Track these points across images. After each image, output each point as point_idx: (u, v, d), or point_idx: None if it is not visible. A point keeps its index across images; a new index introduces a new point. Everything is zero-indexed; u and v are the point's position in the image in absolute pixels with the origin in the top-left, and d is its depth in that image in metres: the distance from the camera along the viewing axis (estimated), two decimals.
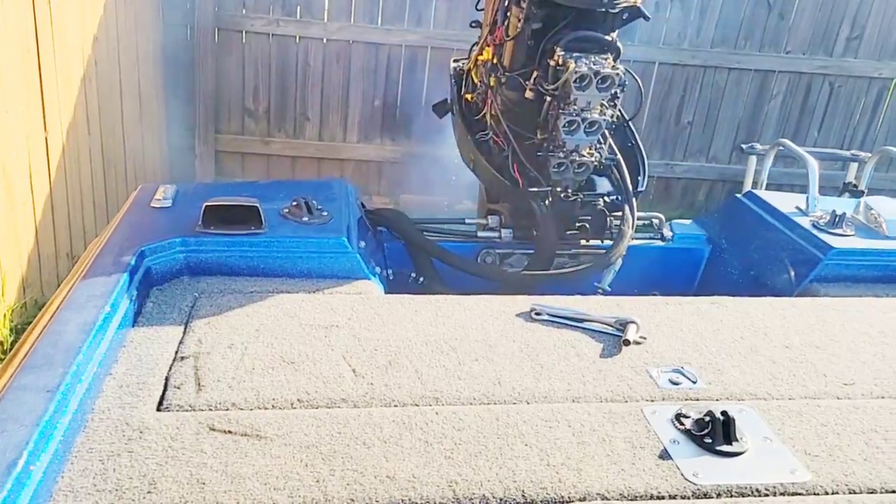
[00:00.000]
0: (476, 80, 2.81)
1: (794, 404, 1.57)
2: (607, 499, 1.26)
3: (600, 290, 2.57)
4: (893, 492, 1.32)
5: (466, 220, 2.86)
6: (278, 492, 1.22)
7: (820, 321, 1.96)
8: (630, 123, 2.75)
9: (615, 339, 1.79)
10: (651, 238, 2.87)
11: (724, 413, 1.40)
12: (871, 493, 1.32)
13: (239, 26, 6.02)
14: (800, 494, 1.30)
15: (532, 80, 2.43)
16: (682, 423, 1.44)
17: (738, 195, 2.92)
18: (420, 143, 6.21)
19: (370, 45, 6.15)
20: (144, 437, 1.34)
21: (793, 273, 2.44)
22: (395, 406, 1.49)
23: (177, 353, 1.64)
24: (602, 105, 2.40)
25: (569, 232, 2.69)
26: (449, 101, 3.06)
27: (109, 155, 4.88)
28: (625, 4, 2.31)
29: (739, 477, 1.32)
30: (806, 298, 2.20)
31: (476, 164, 2.77)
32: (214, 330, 1.74)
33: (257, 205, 2.12)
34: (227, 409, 1.44)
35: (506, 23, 2.48)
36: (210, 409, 1.44)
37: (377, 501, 1.22)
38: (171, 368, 1.58)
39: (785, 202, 2.70)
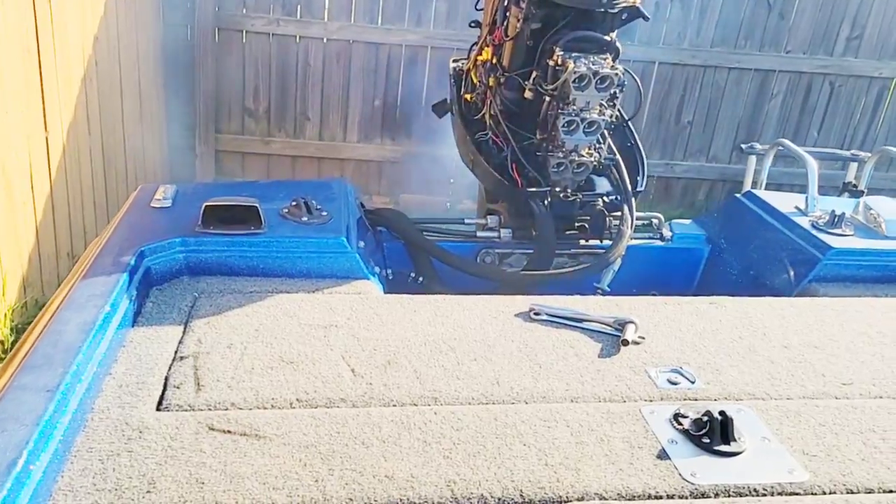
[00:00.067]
0: (475, 81, 2.82)
1: (793, 404, 1.57)
2: (605, 498, 1.27)
3: (599, 290, 2.57)
4: (891, 491, 1.33)
5: (466, 220, 2.87)
6: (277, 491, 1.23)
7: (819, 321, 1.96)
8: (629, 123, 2.76)
9: (614, 339, 1.79)
10: (650, 238, 2.87)
11: (722, 413, 1.40)
12: (869, 492, 1.32)
13: (239, 26, 6.02)
14: (797, 494, 1.30)
15: (531, 81, 2.44)
16: (680, 423, 1.44)
17: (738, 195, 2.92)
18: (420, 143, 6.22)
19: (370, 44, 6.16)
20: (144, 436, 1.34)
21: (792, 273, 2.44)
22: (394, 406, 1.49)
23: (176, 352, 1.64)
24: (601, 105, 2.40)
25: (568, 232, 2.70)
26: (448, 101, 3.06)
27: (110, 155, 4.88)
28: (624, 4, 2.31)
29: (737, 477, 1.32)
30: (805, 298, 2.21)
31: (475, 164, 2.78)
32: (214, 330, 1.74)
33: (257, 205, 2.12)
34: (227, 409, 1.45)
35: (505, 23, 2.49)
36: (209, 409, 1.44)
37: (376, 501, 1.22)
38: (170, 368, 1.58)
39: (784, 202, 2.70)
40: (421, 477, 1.28)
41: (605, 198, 2.67)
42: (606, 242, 2.65)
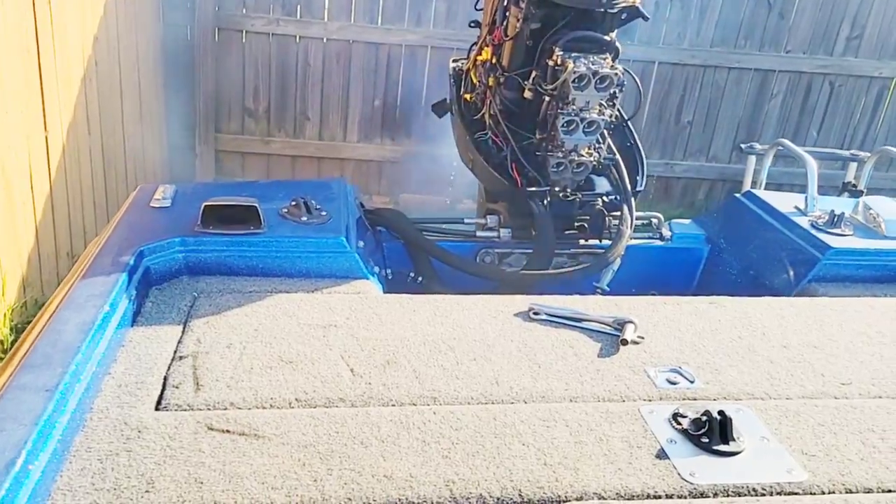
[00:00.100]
0: (475, 80, 2.82)
1: (792, 404, 1.57)
2: (604, 498, 1.27)
3: (599, 290, 2.57)
4: (890, 491, 1.33)
5: (465, 220, 2.87)
6: (276, 491, 1.23)
7: (818, 321, 1.96)
8: (629, 123, 2.76)
9: (613, 338, 1.79)
10: (650, 238, 2.87)
11: (721, 413, 1.40)
12: (868, 492, 1.32)
13: (239, 26, 6.02)
14: (796, 494, 1.30)
15: (531, 80, 2.44)
16: (679, 423, 1.44)
17: (737, 195, 2.92)
18: (420, 143, 6.22)
19: (370, 44, 6.16)
20: (143, 436, 1.34)
21: (791, 273, 2.44)
22: (393, 406, 1.49)
23: (175, 352, 1.64)
24: (600, 105, 2.40)
25: (567, 232, 2.69)
26: (448, 100, 3.06)
27: (109, 155, 4.88)
28: (623, 4, 2.31)
29: (736, 476, 1.32)
30: (804, 298, 2.21)
31: (475, 164, 2.78)
32: (213, 329, 1.74)
33: (256, 205, 2.12)
34: (226, 409, 1.45)
35: (504, 23, 2.49)
36: (208, 409, 1.44)
37: (374, 501, 1.22)
38: (169, 368, 1.58)
39: (784, 202, 2.70)
40: (420, 476, 1.28)
41: (604, 197, 2.67)
42: (606, 242, 2.65)
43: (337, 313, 1.85)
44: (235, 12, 5.99)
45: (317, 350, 1.67)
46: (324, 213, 2.25)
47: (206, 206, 2.10)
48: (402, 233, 2.67)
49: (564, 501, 1.26)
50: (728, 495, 1.29)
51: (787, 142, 3.54)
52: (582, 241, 2.72)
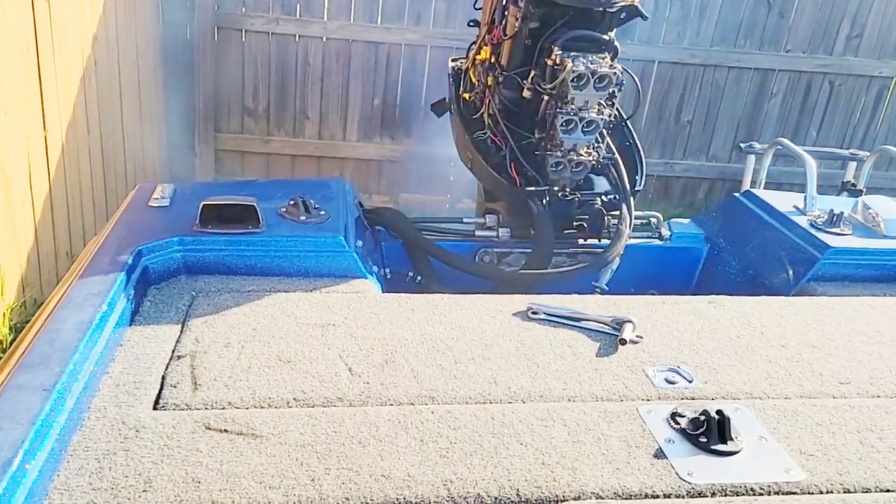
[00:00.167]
0: (474, 80, 2.82)
1: (790, 403, 1.57)
2: (602, 498, 1.27)
3: (598, 290, 2.57)
4: (888, 490, 1.33)
5: (464, 220, 2.86)
6: (273, 490, 1.23)
7: (816, 320, 1.96)
8: (628, 122, 2.75)
9: (612, 338, 1.79)
10: (649, 237, 2.87)
11: (719, 412, 1.40)
12: (866, 492, 1.32)
13: (239, 25, 6.02)
14: (794, 493, 1.30)
15: (530, 80, 2.43)
16: (677, 423, 1.44)
17: (737, 194, 2.92)
18: (419, 142, 6.21)
19: (370, 43, 6.15)
20: (140, 435, 1.34)
21: (790, 272, 2.44)
22: (391, 405, 1.49)
23: (173, 351, 1.64)
24: (599, 104, 2.40)
25: (566, 231, 2.69)
26: (447, 100, 3.06)
27: (109, 154, 4.88)
28: (622, 4, 2.31)
29: (734, 476, 1.32)
30: (803, 298, 2.21)
31: (474, 164, 2.78)
32: (211, 329, 1.74)
33: (255, 204, 2.12)
34: (224, 408, 1.45)
35: (503, 22, 2.49)
36: (206, 408, 1.44)
37: (372, 500, 1.22)
38: (167, 367, 1.58)
39: (783, 201, 2.70)
40: (417, 476, 1.28)
41: (603, 197, 2.66)
42: (605, 241, 2.64)
43: (335, 313, 1.85)
44: (235, 11, 5.99)
45: (315, 349, 1.67)
46: (322, 213, 2.25)
47: (204, 205, 2.10)
48: (400, 232, 2.67)
49: (562, 501, 1.25)
50: (726, 495, 1.29)
51: (786, 141, 3.54)
52: (581, 241, 2.71)
